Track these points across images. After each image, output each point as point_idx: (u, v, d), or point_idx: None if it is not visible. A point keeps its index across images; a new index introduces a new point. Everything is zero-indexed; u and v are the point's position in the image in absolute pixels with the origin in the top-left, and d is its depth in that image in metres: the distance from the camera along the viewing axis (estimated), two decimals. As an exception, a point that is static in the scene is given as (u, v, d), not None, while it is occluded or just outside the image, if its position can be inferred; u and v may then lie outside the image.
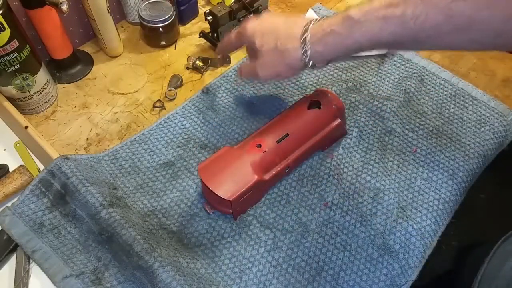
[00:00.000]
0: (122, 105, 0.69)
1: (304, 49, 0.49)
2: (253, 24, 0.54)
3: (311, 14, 0.77)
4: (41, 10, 0.62)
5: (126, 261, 0.50)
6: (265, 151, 0.54)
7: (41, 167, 0.61)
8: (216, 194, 0.50)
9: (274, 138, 0.55)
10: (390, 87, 0.69)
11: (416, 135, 0.63)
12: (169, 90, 0.70)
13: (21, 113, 0.63)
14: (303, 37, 0.49)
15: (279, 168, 0.55)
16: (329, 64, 0.64)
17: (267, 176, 0.54)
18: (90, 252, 0.52)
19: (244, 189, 0.51)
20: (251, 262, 0.52)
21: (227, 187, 0.51)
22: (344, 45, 0.47)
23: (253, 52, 0.55)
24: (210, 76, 0.73)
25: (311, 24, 0.49)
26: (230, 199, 0.50)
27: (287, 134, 0.55)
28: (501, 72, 0.74)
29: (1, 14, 0.54)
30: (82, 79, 0.72)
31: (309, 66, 0.51)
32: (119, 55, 0.76)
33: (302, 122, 0.57)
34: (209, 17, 0.73)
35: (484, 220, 0.76)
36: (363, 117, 0.65)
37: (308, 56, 0.49)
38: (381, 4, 0.43)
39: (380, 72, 0.71)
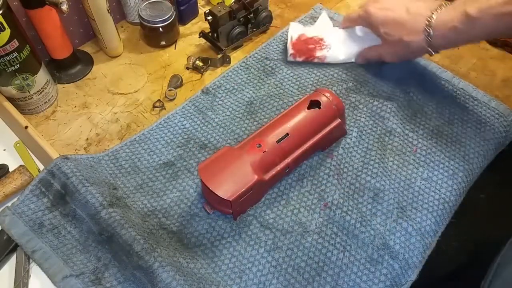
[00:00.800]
0: (122, 105, 0.69)
1: (428, 43, 0.57)
2: (376, 11, 0.61)
3: (294, 27, 0.74)
4: (41, 10, 0.62)
5: (126, 261, 0.50)
6: (265, 151, 0.53)
7: (41, 167, 0.61)
8: (216, 194, 0.50)
9: (274, 138, 0.55)
10: (390, 87, 0.69)
11: (416, 135, 0.63)
12: (169, 90, 0.70)
13: (21, 113, 0.63)
14: (428, 32, 0.56)
15: (279, 168, 0.55)
16: (341, 63, 0.73)
17: (267, 176, 0.54)
18: (90, 252, 0.52)
19: (244, 189, 0.51)
20: (251, 262, 0.52)
21: (227, 187, 0.51)
22: (462, 39, 0.56)
23: (376, 34, 0.64)
24: (210, 76, 0.73)
25: (433, 20, 0.55)
26: (230, 199, 0.50)
27: (287, 134, 0.55)
28: (501, 72, 0.74)
29: (1, 14, 0.54)
30: (82, 79, 0.72)
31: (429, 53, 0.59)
32: (119, 55, 0.76)
33: (302, 122, 0.57)
34: (209, 17, 0.73)
35: (484, 220, 0.76)
36: (363, 117, 0.65)
37: (431, 48, 0.58)
38: (497, 2, 0.50)
39: (380, 72, 0.71)
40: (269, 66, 0.73)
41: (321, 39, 0.72)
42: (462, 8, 0.53)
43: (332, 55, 0.71)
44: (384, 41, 0.62)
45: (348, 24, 0.71)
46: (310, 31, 0.73)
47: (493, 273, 0.54)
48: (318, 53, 0.71)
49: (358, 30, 0.71)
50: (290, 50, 0.72)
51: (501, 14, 0.50)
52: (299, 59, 0.72)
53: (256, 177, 0.52)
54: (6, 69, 0.59)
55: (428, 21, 0.56)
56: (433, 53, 0.58)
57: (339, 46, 0.72)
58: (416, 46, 0.59)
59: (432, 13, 0.56)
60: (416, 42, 0.58)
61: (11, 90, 0.62)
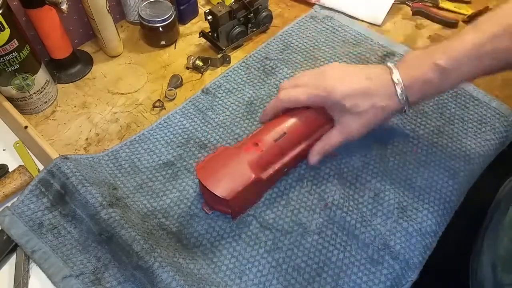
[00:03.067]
0: (121, 105, 0.69)
1: (403, 102, 0.51)
2: (335, 84, 0.52)
3: None
4: (40, 10, 0.62)
5: (125, 261, 0.50)
6: (262, 150, 0.53)
7: (41, 167, 0.61)
8: (214, 193, 0.50)
9: (271, 137, 0.55)
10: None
11: (417, 135, 0.63)
12: (169, 90, 0.69)
13: (20, 113, 0.63)
14: (401, 91, 0.50)
15: (277, 167, 0.54)
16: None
17: (265, 175, 0.54)
18: (90, 252, 0.52)
19: (241, 188, 0.50)
20: (251, 263, 0.52)
21: (225, 186, 0.50)
22: (439, 89, 0.51)
23: (333, 115, 0.55)
24: (210, 76, 0.73)
25: (399, 76, 0.50)
26: (228, 198, 0.50)
27: (285, 133, 0.55)
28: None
29: (1, 13, 0.54)
30: (82, 79, 0.72)
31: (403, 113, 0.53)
32: (118, 55, 0.76)
33: (301, 121, 0.57)
34: (209, 17, 0.72)
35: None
36: (364, 117, 0.65)
37: (408, 107, 0.52)
38: (465, 48, 0.46)
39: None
40: (269, 66, 0.73)
41: None
42: (430, 61, 0.48)
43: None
44: (348, 116, 0.53)
45: (279, 109, 0.58)
46: None
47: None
48: None
49: None
50: None
51: (477, 57, 0.46)
52: None
53: (253, 175, 0.51)
54: (6, 69, 0.59)
55: (395, 80, 0.50)
56: (408, 111, 0.52)
57: None
58: (392, 110, 0.52)
59: (392, 71, 0.51)
60: (392, 105, 0.51)
61: (11, 90, 0.62)
